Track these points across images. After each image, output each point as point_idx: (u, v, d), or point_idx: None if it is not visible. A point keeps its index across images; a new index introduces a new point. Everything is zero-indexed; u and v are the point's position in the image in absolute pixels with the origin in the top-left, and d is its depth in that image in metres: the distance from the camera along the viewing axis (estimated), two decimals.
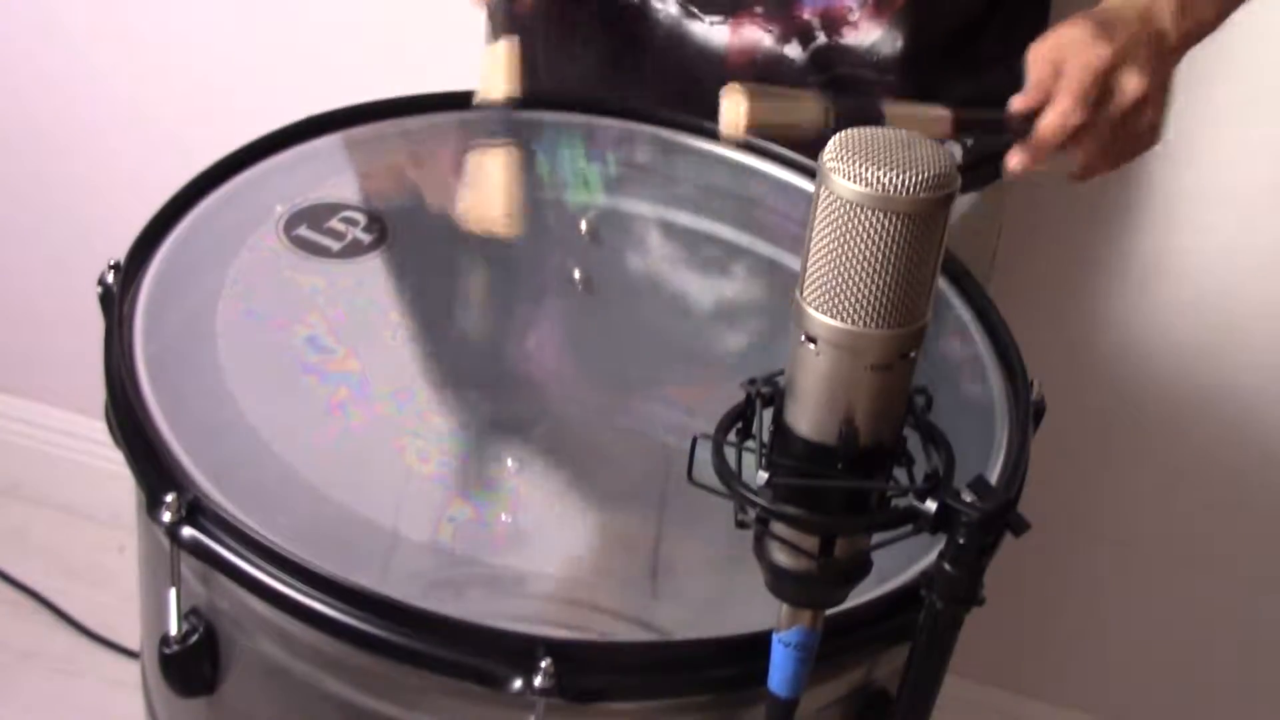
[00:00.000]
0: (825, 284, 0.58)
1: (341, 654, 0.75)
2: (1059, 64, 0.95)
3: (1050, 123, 0.95)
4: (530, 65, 1.22)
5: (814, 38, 1.10)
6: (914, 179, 0.55)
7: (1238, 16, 1.21)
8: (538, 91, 1.15)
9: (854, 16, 1.08)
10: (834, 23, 1.09)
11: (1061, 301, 1.57)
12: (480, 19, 1.27)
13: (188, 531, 0.76)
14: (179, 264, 0.95)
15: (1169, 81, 0.99)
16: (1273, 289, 1.51)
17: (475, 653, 0.72)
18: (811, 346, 0.59)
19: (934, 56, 1.10)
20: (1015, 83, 1.20)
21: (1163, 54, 0.97)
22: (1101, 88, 0.93)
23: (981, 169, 1.18)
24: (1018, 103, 0.97)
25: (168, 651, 0.81)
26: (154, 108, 1.71)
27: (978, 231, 1.23)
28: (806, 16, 1.09)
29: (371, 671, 0.76)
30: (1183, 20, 0.99)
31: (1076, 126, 0.94)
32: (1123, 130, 0.97)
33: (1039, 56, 0.97)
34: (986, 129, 0.96)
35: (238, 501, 0.78)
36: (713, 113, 1.13)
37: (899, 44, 1.08)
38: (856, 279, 0.57)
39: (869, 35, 1.09)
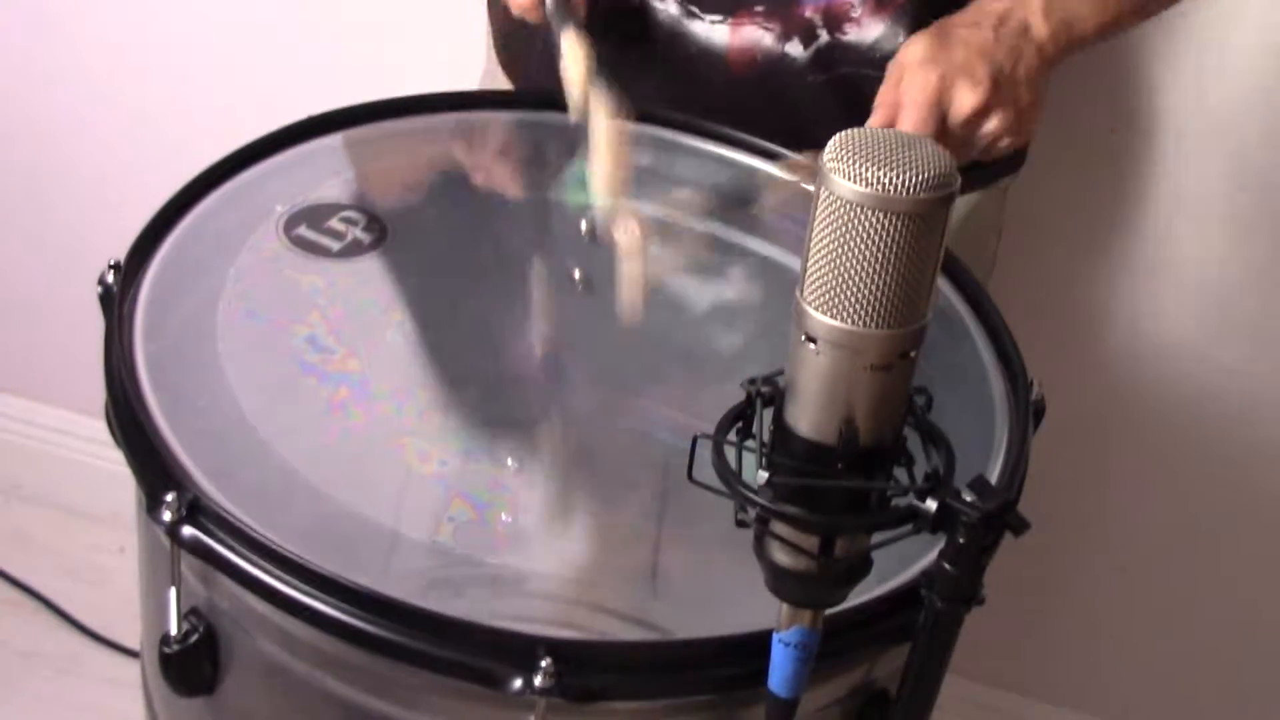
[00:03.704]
0: (825, 284, 0.58)
1: (341, 654, 0.75)
2: (899, 81, 1.00)
3: None
4: (528, 66, 1.22)
5: (816, 36, 1.10)
6: (914, 179, 0.55)
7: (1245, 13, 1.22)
8: (538, 92, 1.15)
9: (856, 13, 1.08)
10: (836, 20, 1.09)
11: (1061, 301, 1.57)
12: (480, 19, 1.28)
13: (188, 531, 0.76)
14: (179, 264, 0.95)
15: (1034, 77, 1.01)
16: (1273, 289, 1.51)
17: (475, 653, 0.72)
18: (811, 346, 0.59)
19: None
20: None
21: (1023, 49, 1.01)
22: (937, 106, 0.98)
23: (980, 169, 1.19)
24: (873, 123, 1.00)
25: (168, 651, 0.81)
26: (154, 108, 1.71)
27: (978, 231, 1.23)
28: (808, 14, 1.09)
29: (371, 671, 0.76)
30: (1051, 18, 1.02)
31: None
32: (969, 138, 1.00)
33: (889, 73, 1.01)
34: None
35: (238, 501, 0.78)
36: (714, 113, 1.14)
37: (901, 40, 1.08)
38: (856, 279, 0.57)
39: (871, 31, 1.09)
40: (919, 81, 0.98)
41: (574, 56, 1.03)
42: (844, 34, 1.09)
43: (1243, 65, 1.40)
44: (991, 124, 1.00)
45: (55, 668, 1.82)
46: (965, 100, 0.98)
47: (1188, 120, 1.45)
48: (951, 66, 0.98)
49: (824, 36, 1.09)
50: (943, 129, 0.98)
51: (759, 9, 1.09)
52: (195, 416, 0.84)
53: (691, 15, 1.11)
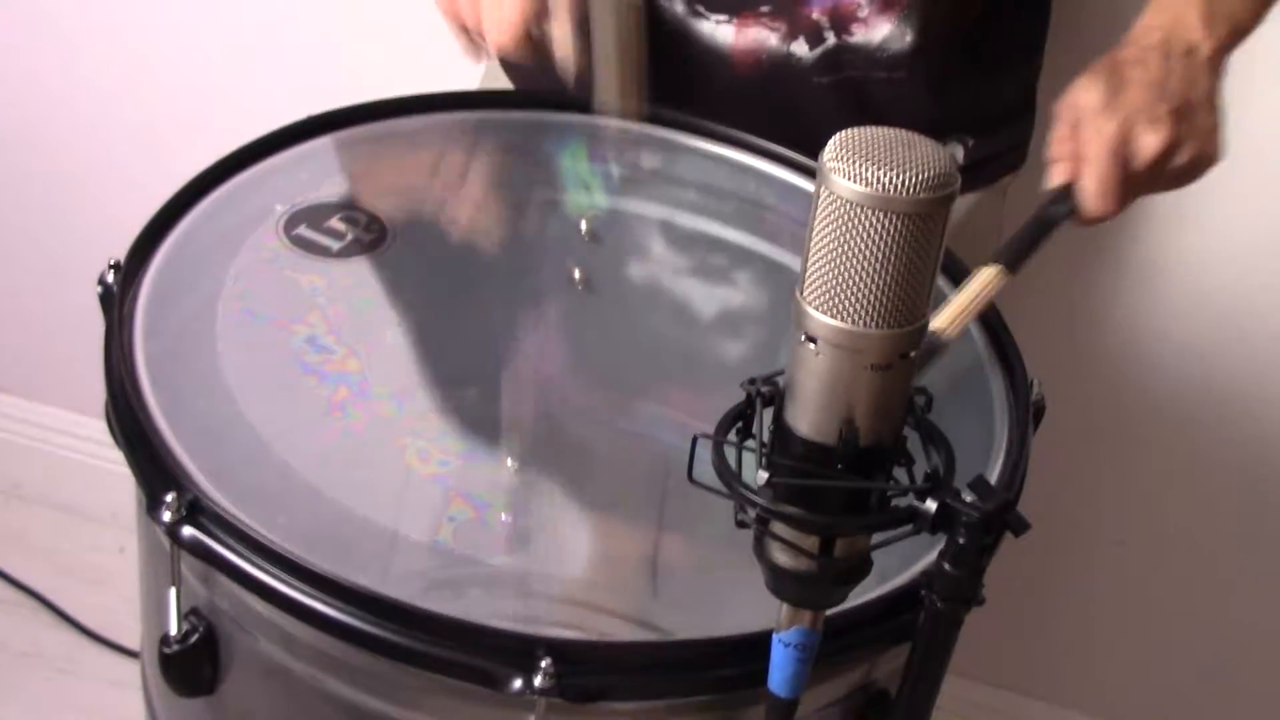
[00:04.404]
0: (825, 284, 0.58)
1: (341, 654, 0.75)
2: (1074, 129, 0.97)
3: (1090, 206, 0.97)
4: (529, 67, 1.22)
5: (823, 38, 1.09)
6: (914, 179, 0.55)
7: None
8: (539, 92, 1.15)
9: (863, 13, 1.08)
10: (843, 20, 1.08)
11: (1061, 301, 1.57)
12: None
13: (188, 531, 0.76)
14: (179, 264, 0.95)
15: (1212, 95, 0.99)
16: (1273, 289, 1.51)
17: (475, 653, 0.72)
18: (811, 346, 0.59)
19: (944, 51, 1.10)
20: (1019, 79, 1.20)
21: (1194, 73, 0.98)
22: (1120, 155, 0.95)
23: (981, 169, 1.18)
24: (1054, 179, 0.98)
25: (168, 651, 0.81)
26: (154, 108, 1.71)
27: (978, 231, 1.22)
28: (815, 15, 1.08)
29: (371, 671, 0.76)
30: (1215, 28, 0.99)
31: (1115, 195, 0.96)
32: (1159, 176, 0.98)
33: (1059, 119, 0.98)
34: None
35: (238, 501, 0.78)
36: (717, 113, 1.13)
37: (909, 39, 1.08)
38: (856, 279, 0.57)
39: (878, 31, 1.08)
40: (1097, 133, 0.95)
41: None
42: (850, 35, 1.09)
43: (1243, 65, 1.40)
44: (1181, 158, 0.97)
45: (55, 668, 1.82)
46: (1149, 144, 0.95)
47: None
48: (1131, 110, 0.95)
49: (830, 38, 1.09)
50: (1128, 175, 0.96)
51: (765, 9, 1.09)
52: (195, 416, 0.84)
53: (697, 14, 1.11)
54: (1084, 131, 0.96)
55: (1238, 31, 1.01)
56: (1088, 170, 0.96)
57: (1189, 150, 0.97)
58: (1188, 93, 0.97)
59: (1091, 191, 0.96)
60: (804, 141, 1.09)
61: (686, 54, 1.12)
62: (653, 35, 1.12)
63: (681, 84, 1.14)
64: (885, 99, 1.10)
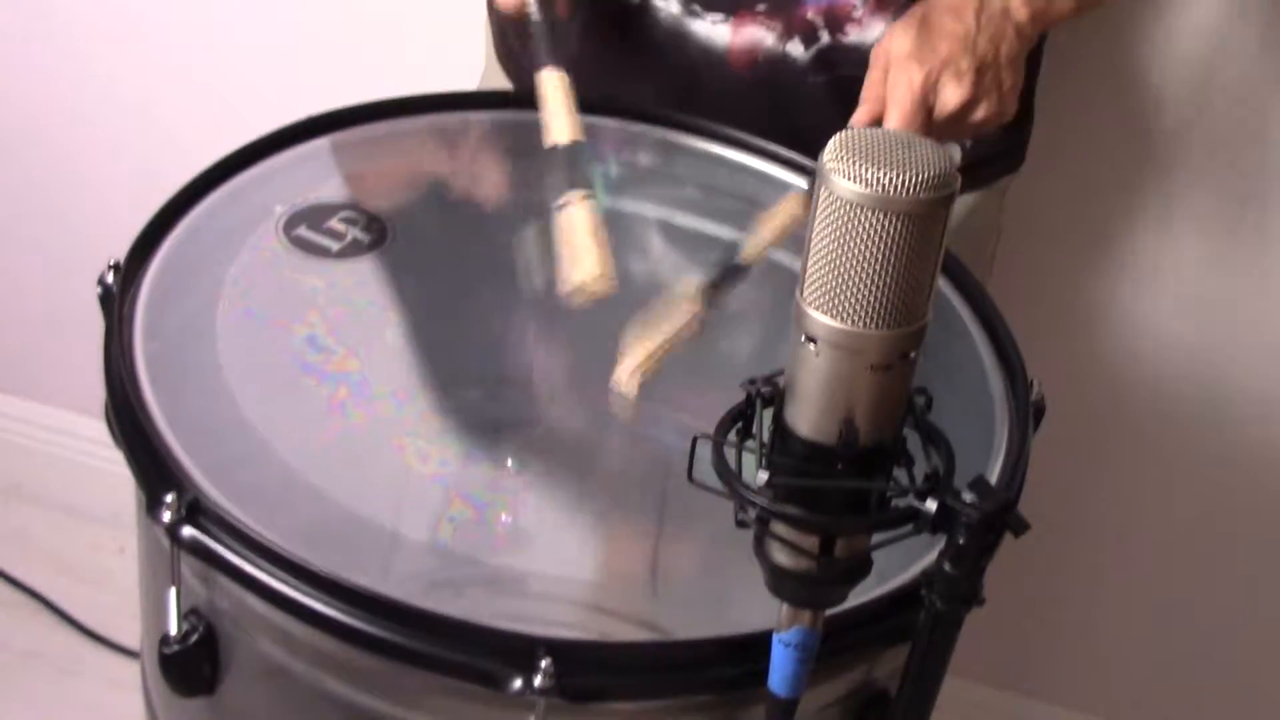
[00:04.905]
0: (825, 284, 0.58)
1: (341, 654, 0.75)
2: (884, 74, 1.00)
3: None
4: (527, 62, 1.22)
5: (817, 38, 1.10)
6: (914, 179, 0.55)
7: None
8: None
9: (858, 13, 1.08)
10: (838, 20, 1.09)
11: (1061, 302, 1.57)
12: (480, 19, 1.27)
13: (188, 531, 0.76)
14: (179, 264, 0.95)
15: (1015, 58, 1.02)
16: (1272, 288, 1.51)
17: (475, 653, 0.72)
18: (811, 347, 0.59)
19: None
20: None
21: (1004, 32, 1.01)
22: (923, 104, 0.99)
23: (980, 169, 1.19)
24: (858, 117, 1.01)
25: (168, 651, 0.81)
26: (154, 108, 1.71)
27: (976, 232, 1.23)
28: (810, 15, 1.09)
29: (371, 671, 0.76)
30: (1029, 3, 1.02)
31: None
32: (954, 128, 1.01)
33: (873, 63, 1.02)
34: None
35: (238, 501, 0.78)
36: (714, 112, 1.13)
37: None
38: (856, 279, 0.57)
39: (873, 31, 1.09)
40: (905, 80, 0.98)
41: (554, 94, 1.02)
42: (845, 35, 1.09)
43: (1242, 64, 1.40)
44: (978, 114, 1.01)
45: (55, 668, 1.82)
46: (951, 96, 0.99)
47: (1186, 119, 1.45)
48: (936, 62, 0.98)
49: (825, 38, 1.09)
50: (929, 122, 0.99)
51: (761, 8, 1.09)
52: (195, 416, 0.84)
53: (693, 14, 1.11)
54: (892, 75, 0.99)
55: (1053, 12, 1.05)
56: (892, 114, 0.99)
57: (986, 107, 1.01)
58: (994, 52, 1.00)
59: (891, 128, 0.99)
60: (799, 141, 1.10)
61: (682, 53, 1.12)
62: (648, 34, 1.12)
63: (677, 83, 1.14)
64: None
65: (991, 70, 1.00)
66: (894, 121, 0.98)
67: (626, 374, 0.91)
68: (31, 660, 1.82)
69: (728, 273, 1.00)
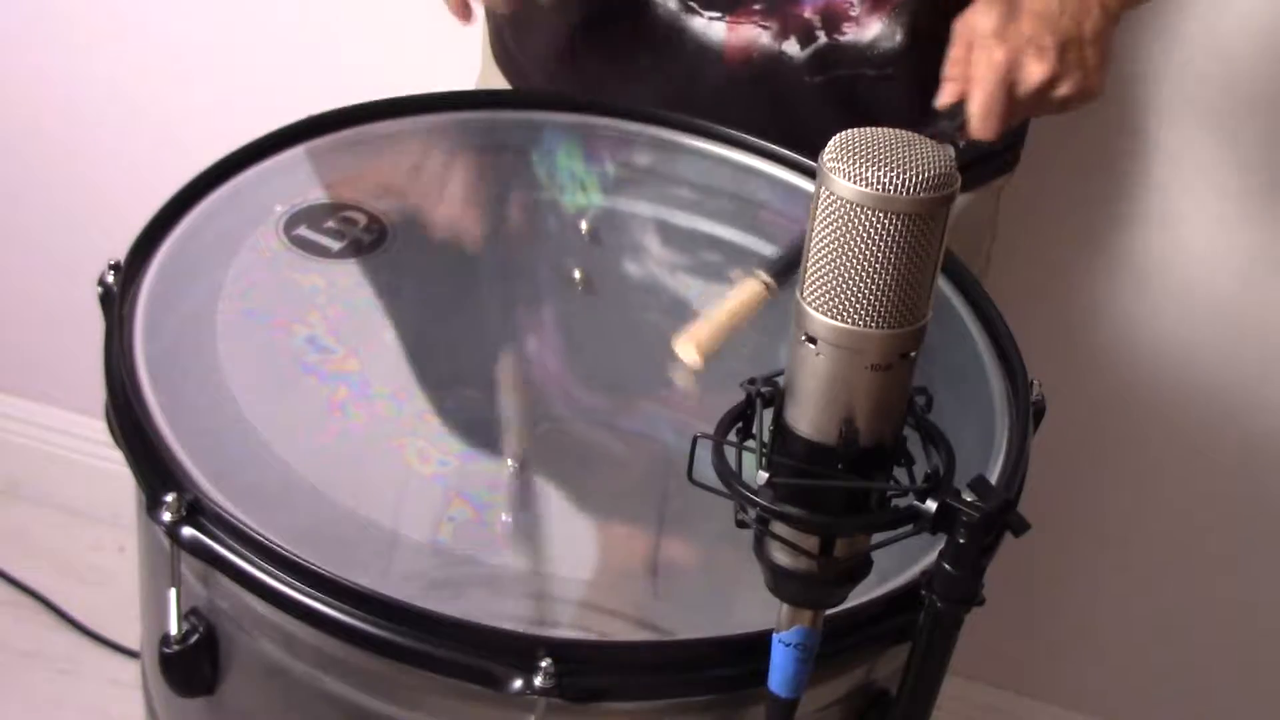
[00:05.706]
0: (825, 284, 0.58)
1: (341, 654, 0.75)
2: (968, 52, 1.01)
3: (975, 126, 1.01)
4: (523, 62, 1.22)
5: (814, 38, 1.10)
6: (914, 179, 0.55)
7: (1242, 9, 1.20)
8: (535, 92, 1.15)
9: (854, 12, 1.08)
10: (834, 19, 1.09)
11: (1060, 301, 1.57)
12: (477, 20, 1.27)
13: (188, 531, 0.76)
14: (179, 264, 0.95)
15: (1100, 35, 1.02)
16: (1272, 288, 1.51)
17: (475, 653, 0.72)
18: (811, 346, 0.59)
19: (934, 49, 1.10)
20: None
21: (1087, 10, 1.01)
22: (1005, 82, 0.99)
23: (974, 170, 1.18)
24: (944, 97, 1.02)
25: (168, 651, 0.81)
26: (154, 108, 1.71)
27: (972, 232, 1.23)
28: (807, 15, 1.09)
29: (371, 671, 0.76)
30: None
31: (998, 118, 1.01)
32: (1041, 104, 1.02)
33: (955, 41, 1.02)
34: None
35: (238, 501, 0.78)
36: (709, 110, 1.13)
37: (899, 38, 1.08)
38: (856, 279, 0.57)
39: (869, 30, 1.09)
40: (987, 57, 0.99)
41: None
42: (842, 34, 1.09)
43: (1241, 64, 1.40)
44: (1062, 90, 1.01)
45: (55, 668, 1.82)
46: (1034, 73, 0.99)
47: (1184, 118, 1.45)
48: (1020, 40, 0.99)
49: (822, 38, 1.09)
50: (1012, 100, 0.99)
51: (758, 6, 1.09)
52: (195, 416, 0.84)
53: (690, 11, 1.11)
54: (975, 54, 1.00)
55: None
56: (975, 93, 0.99)
57: (1070, 84, 1.01)
58: (1077, 29, 1.01)
59: (977, 114, 1.00)
60: (795, 140, 1.10)
61: (678, 51, 1.12)
62: (646, 30, 1.12)
63: (673, 81, 1.14)
64: (875, 98, 1.10)
65: (1075, 47, 1.00)
66: (977, 100, 0.99)
67: (683, 340, 0.90)
68: (31, 660, 1.82)
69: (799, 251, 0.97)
